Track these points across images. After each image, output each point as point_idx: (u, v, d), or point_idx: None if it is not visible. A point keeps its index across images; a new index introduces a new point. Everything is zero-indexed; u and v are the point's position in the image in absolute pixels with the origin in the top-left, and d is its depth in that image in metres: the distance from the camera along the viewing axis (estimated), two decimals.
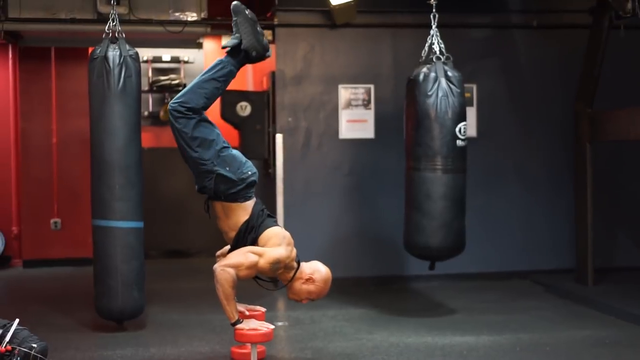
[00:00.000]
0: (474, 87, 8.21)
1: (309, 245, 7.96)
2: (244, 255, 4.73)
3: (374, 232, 8.18)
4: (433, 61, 6.48)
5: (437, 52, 6.52)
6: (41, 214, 9.67)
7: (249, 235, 4.83)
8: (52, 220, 9.67)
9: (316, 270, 4.93)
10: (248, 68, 9.87)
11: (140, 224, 6.24)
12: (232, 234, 4.88)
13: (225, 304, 4.77)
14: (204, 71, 4.91)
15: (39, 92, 9.63)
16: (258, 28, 4.88)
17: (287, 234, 4.94)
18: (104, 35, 6.13)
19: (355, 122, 8.14)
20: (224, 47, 4.89)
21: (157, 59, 10.05)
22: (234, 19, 4.87)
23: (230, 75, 4.91)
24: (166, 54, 10.03)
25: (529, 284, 8.12)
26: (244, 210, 4.85)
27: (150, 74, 9.98)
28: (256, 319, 5.03)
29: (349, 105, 8.12)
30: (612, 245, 8.42)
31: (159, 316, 6.73)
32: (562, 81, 8.40)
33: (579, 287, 7.70)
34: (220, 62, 4.88)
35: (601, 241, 7.97)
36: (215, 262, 4.84)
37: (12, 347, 4.14)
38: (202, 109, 4.82)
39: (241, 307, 4.99)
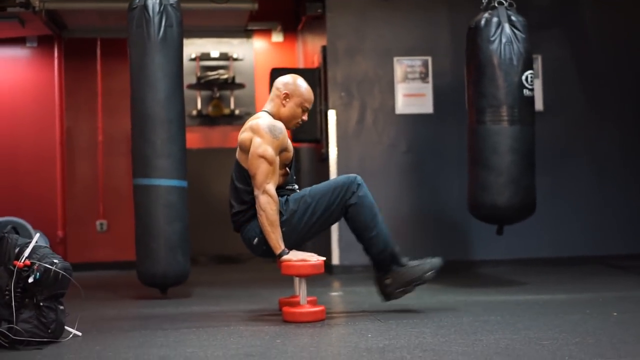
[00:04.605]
0: (539, 58, 7.68)
1: None
2: (257, 161, 4.46)
3: (434, 213, 7.64)
4: (495, 6, 6.05)
5: None
6: (87, 216, 9.34)
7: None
8: (97, 222, 9.33)
9: (282, 84, 4.61)
10: (299, 45, 9.50)
11: (183, 183, 5.84)
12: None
13: (270, 231, 4.41)
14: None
15: (84, 90, 9.40)
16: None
17: (246, 125, 4.64)
18: None
19: (413, 96, 7.65)
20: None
21: (205, 56, 9.68)
22: None
23: None
24: (214, 49, 9.68)
25: (603, 268, 7.46)
26: None
27: (198, 72, 9.61)
28: None
29: (405, 78, 7.65)
30: None
31: (204, 290, 6.27)
32: (634, 49, 7.87)
33: None
34: None
35: None
36: None
37: (31, 262, 3.70)
38: None
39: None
